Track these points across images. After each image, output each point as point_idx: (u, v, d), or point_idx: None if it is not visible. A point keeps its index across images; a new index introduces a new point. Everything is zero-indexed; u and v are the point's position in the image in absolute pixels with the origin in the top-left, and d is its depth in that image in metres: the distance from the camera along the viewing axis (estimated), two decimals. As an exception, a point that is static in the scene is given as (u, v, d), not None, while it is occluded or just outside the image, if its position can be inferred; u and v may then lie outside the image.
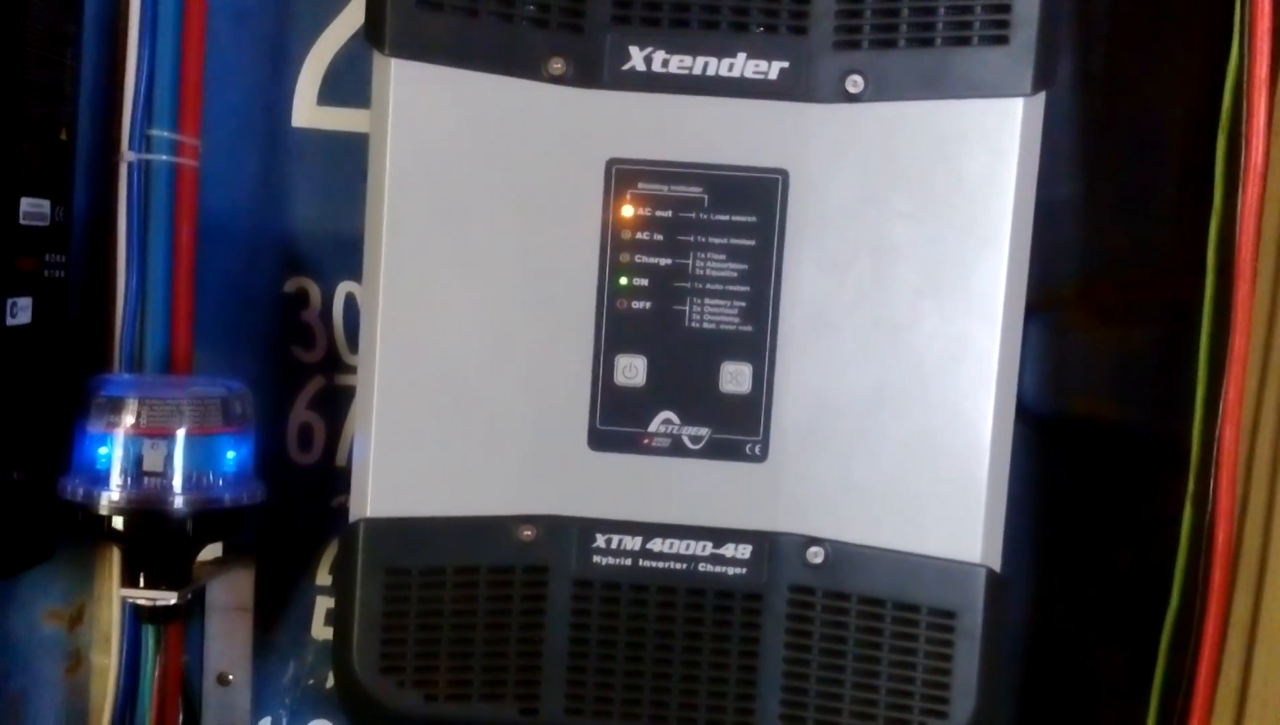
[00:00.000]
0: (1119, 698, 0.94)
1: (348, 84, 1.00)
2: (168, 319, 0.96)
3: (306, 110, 1.01)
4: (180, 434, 0.87)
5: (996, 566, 0.78)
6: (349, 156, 0.98)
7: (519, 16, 0.76)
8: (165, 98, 0.95)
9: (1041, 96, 0.76)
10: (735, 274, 0.77)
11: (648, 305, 0.78)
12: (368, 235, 0.79)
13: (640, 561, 0.79)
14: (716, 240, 0.77)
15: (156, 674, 0.97)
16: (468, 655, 0.79)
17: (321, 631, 1.06)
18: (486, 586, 0.79)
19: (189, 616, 1.01)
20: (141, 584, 0.90)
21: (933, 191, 0.76)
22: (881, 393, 0.77)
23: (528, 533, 0.79)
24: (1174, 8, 0.93)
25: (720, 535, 0.79)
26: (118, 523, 0.87)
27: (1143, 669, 0.85)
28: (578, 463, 0.78)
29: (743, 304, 0.77)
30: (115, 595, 1.02)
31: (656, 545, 0.79)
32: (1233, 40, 0.78)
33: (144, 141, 0.95)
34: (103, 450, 0.87)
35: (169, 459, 0.87)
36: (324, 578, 1.05)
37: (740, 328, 0.77)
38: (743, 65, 0.76)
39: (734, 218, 0.77)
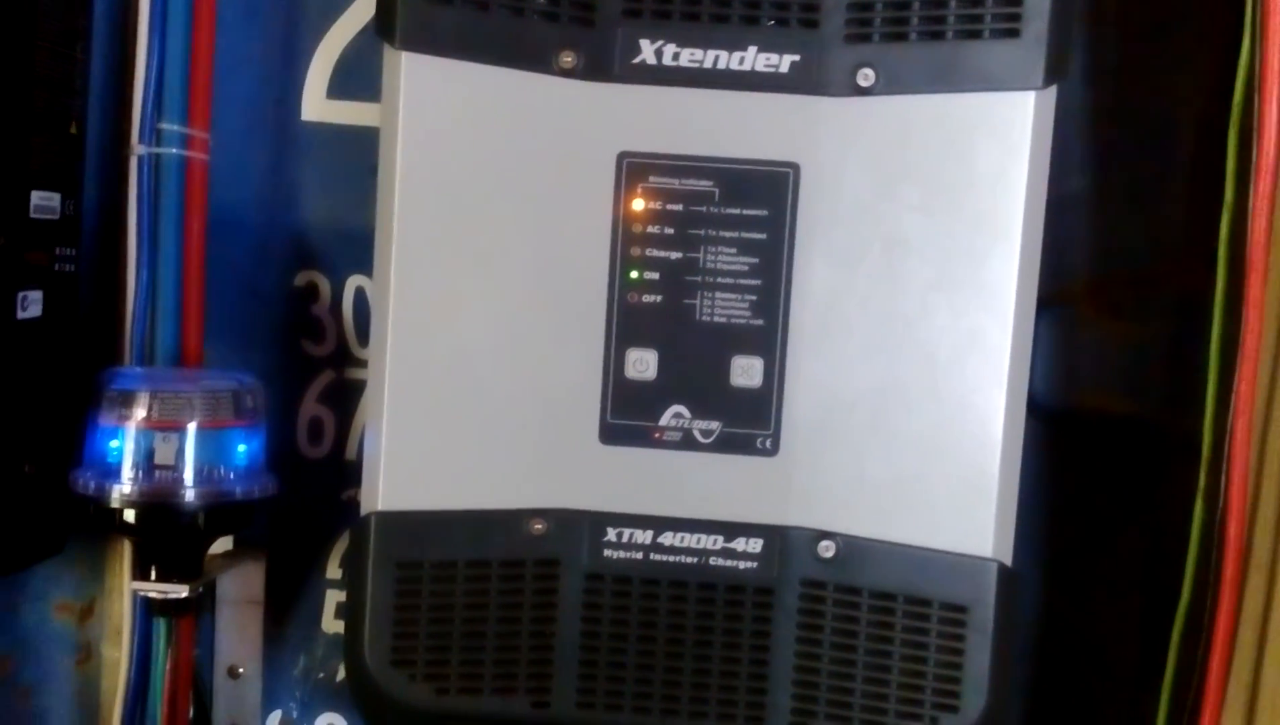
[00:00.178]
0: (1130, 692, 0.94)
1: (357, 78, 1.00)
2: (178, 312, 0.97)
3: (316, 104, 1.01)
4: (192, 427, 0.87)
5: (1008, 561, 0.78)
6: (358, 150, 0.98)
7: (530, 10, 0.76)
8: (175, 91, 0.95)
9: (1053, 90, 0.75)
10: (746, 268, 0.77)
11: (658, 299, 0.78)
12: (379, 229, 0.79)
13: (651, 555, 0.79)
14: (727, 234, 0.77)
15: (168, 667, 0.97)
16: (479, 649, 0.80)
17: (332, 625, 1.06)
18: (498, 580, 0.79)
19: (199, 610, 1.01)
20: (153, 577, 0.90)
21: (944, 185, 0.76)
22: (892, 387, 0.77)
23: (539, 526, 0.79)
24: (1185, 1, 0.93)
25: (731, 529, 0.79)
26: (129, 516, 0.88)
27: (1153, 663, 0.85)
28: (589, 456, 0.78)
29: (754, 298, 0.77)
30: (126, 588, 1.02)
31: (667, 539, 0.79)
32: (1244, 34, 0.78)
33: (154, 135, 0.95)
34: (114, 443, 0.88)
35: (180, 452, 0.87)
36: (334, 571, 1.05)
37: (751, 322, 0.77)
38: (754, 58, 0.76)
39: (745, 211, 0.77)
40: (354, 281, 1.02)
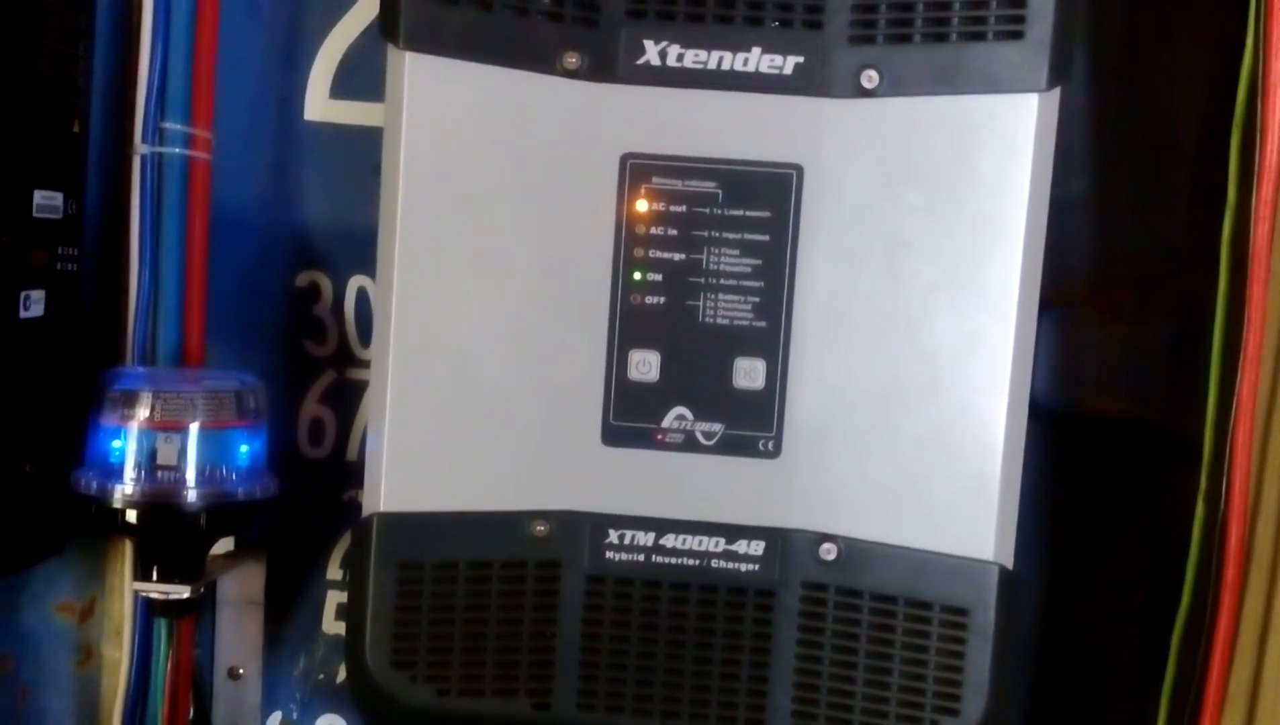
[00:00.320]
0: (1131, 694, 0.94)
1: (360, 77, 1.00)
2: (180, 312, 0.96)
3: (319, 104, 1.01)
4: (194, 428, 0.87)
5: (1009, 563, 0.78)
6: (361, 150, 0.98)
7: (533, 10, 0.76)
8: (178, 91, 0.95)
9: (1056, 92, 0.75)
10: (749, 269, 0.77)
11: (661, 300, 0.78)
12: (382, 229, 0.79)
13: (653, 557, 0.79)
14: (730, 235, 0.77)
15: (168, 667, 0.97)
16: (480, 650, 0.80)
17: (332, 626, 1.06)
18: (499, 581, 0.79)
19: (200, 610, 1.01)
20: (154, 577, 0.90)
21: (947, 187, 0.76)
22: (895, 389, 0.77)
23: (541, 528, 0.79)
24: (1188, 3, 0.93)
25: (733, 531, 0.79)
26: (131, 516, 0.87)
27: (1154, 666, 0.85)
28: (591, 458, 0.78)
29: (756, 299, 0.77)
30: (127, 588, 1.02)
31: (669, 541, 0.79)
32: (1247, 37, 0.78)
33: (157, 134, 0.95)
34: (116, 443, 0.88)
35: (183, 452, 0.87)
36: (335, 572, 1.05)
37: (754, 323, 0.77)
38: (758, 60, 0.76)
39: (748, 213, 0.77)
40: (356, 282, 1.02)
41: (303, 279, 1.03)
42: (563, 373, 0.78)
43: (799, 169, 0.76)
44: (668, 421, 0.78)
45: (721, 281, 0.77)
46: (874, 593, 0.78)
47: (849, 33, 0.75)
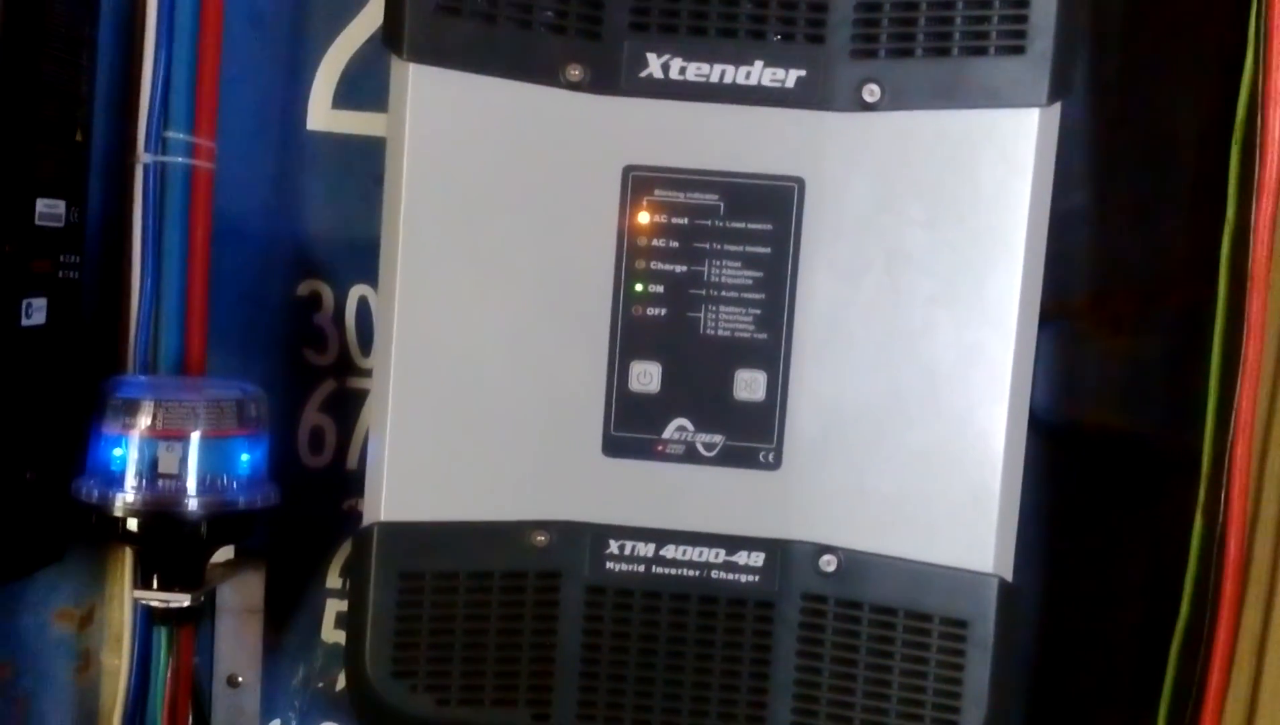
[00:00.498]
0: (1129, 706, 0.94)
1: (362, 88, 1.00)
2: (182, 321, 0.97)
3: (321, 114, 1.01)
4: (195, 436, 0.87)
5: (1008, 576, 0.78)
6: (363, 160, 0.99)
7: (537, 23, 0.76)
8: (181, 100, 0.95)
9: (1057, 107, 0.76)
10: (750, 281, 0.77)
11: (663, 312, 0.78)
12: (384, 239, 0.79)
13: (653, 568, 0.79)
14: (732, 247, 0.77)
15: (168, 675, 0.97)
16: (480, 660, 0.80)
17: (331, 634, 1.06)
18: (500, 591, 0.79)
19: (200, 618, 1.01)
20: (155, 586, 0.90)
21: (948, 200, 0.76)
22: (895, 401, 0.77)
23: (541, 538, 0.79)
24: (1188, 18, 0.93)
25: (733, 543, 0.79)
26: (132, 524, 0.88)
27: (1152, 678, 0.85)
28: (592, 469, 0.79)
29: (758, 311, 0.77)
30: (126, 596, 1.03)
31: (669, 552, 0.79)
32: (1247, 51, 0.79)
33: (159, 144, 0.95)
34: (118, 452, 0.88)
35: (184, 461, 0.87)
36: (334, 580, 1.06)
37: (755, 335, 0.78)
38: (760, 73, 0.76)
39: (750, 225, 0.77)
40: (357, 291, 1.02)
41: (304, 288, 1.03)
42: (564, 383, 0.78)
43: (800, 182, 0.77)
44: (668, 433, 0.79)
45: (723, 293, 0.78)
46: (874, 604, 0.78)
47: (851, 47, 0.75)
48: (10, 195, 0.87)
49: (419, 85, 0.77)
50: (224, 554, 0.99)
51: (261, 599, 1.03)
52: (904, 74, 0.75)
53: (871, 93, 0.76)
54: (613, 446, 0.79)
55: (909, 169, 0.76)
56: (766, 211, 0.77)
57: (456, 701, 0.80)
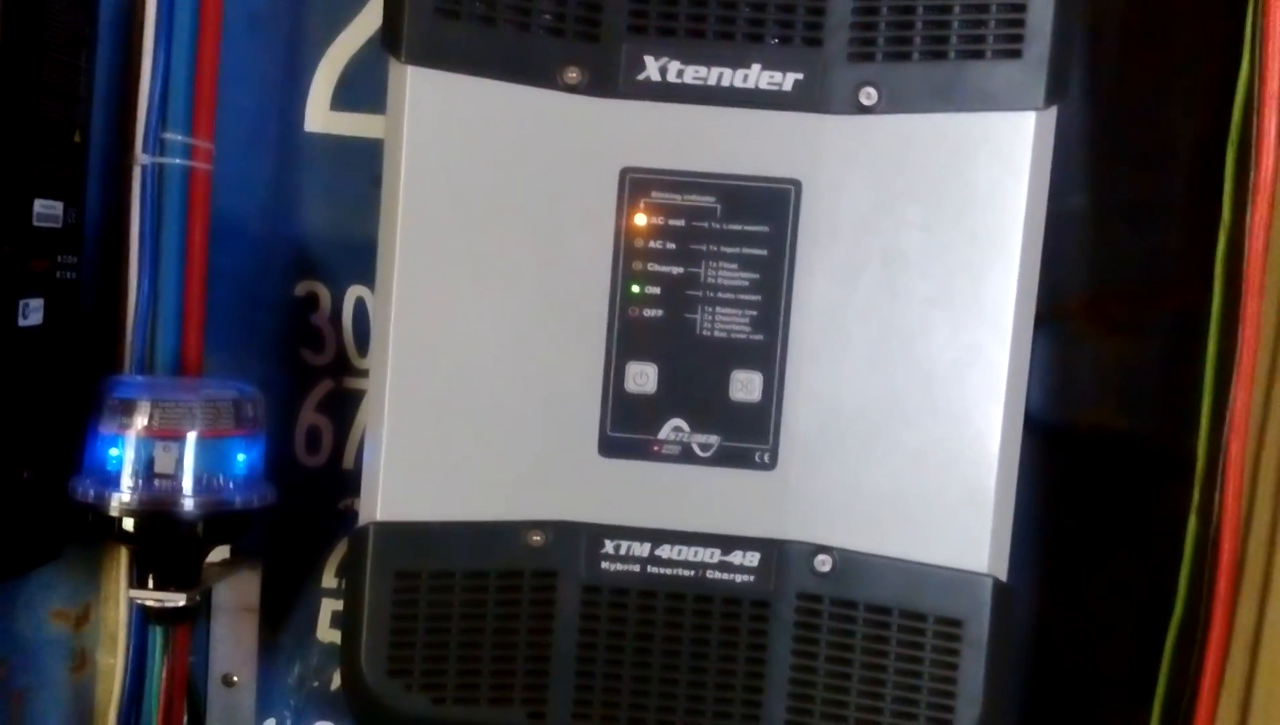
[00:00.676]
0: (1123, 706, 0.94)
1: (361, 89, 1.00)
2: (179, 321, 0.97)
3: (319, 115, 1.01)
4: (192, 436, 0.87)
5: (1003, 576, 0.78)
6: (360, 162, 0.99)
7: (535, 25, 0.76)
8: (179, 101, 0.95)
9: (1054, 110, 0.76)
10: (747, 283, 0.78)
11: (659, 313, 0.78)
12: (382, 241, 0.79)
13: (649, 568, 0.79)
14: (729, 249, 0.78)
15: (163, 675, 0.97)
16: (476, 659, 0.80)
17: (327, 633, 1.06)
18: (495, 591, 0.79)
19: (195, 618, 1.01)
20: (151, 585, 0.90)
21: (944, 203, 0.76)
22: (891, 402, 0.78)
23: (537, 538, 0.79)
24: (1184, 21, 0.93)
25: (729, 542, 0.79)
26: (128, 524, 0.88)
27: (1146, 679, 0.86)
28: (588, 469, 0.79)
29: (754, 313, 0.78)
30: (122, 595, 1.02)
31: (665, 552, 0.79)
32: (1243, 53, 0.79)
33: (158, 145, 0.95)
34: (114, 452, 0.88)
35: (180, 461, 0.87)
36: (330, 580, 1.06)
37: (751, 336, 0.78)
38: (757, 76, 0.76)
39: (746, 227, 0.77)
40: (354, 292, 1.02)
41: (301, 289, 1.03)
42: (560, 384, 0.79)
43: (797, 184, 0.77)
44: (664, 433, 0.79)
45: (719, 295, 0.78)
46: (869, 604, 0.78)
47: (848, 50, 0.76)
48: (8, 196, 0.87)
49: (417, 87, 0.77)
50: (220, 553, 0.99)
51: (257, 598, 1.03)
52: (901, 77, 0.76)
53: (868, 96, 0.76)
54: (609, 447, 0.79)
55: (906, 171, 0.76)
56: (763, 213, 0.77)
57: (452, 700, 0.80)
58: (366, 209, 0.83)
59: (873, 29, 0.75)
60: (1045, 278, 0.78)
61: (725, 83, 0.76)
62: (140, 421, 0.87)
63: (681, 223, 0.77)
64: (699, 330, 0.78)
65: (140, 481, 0.87)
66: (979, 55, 0.75)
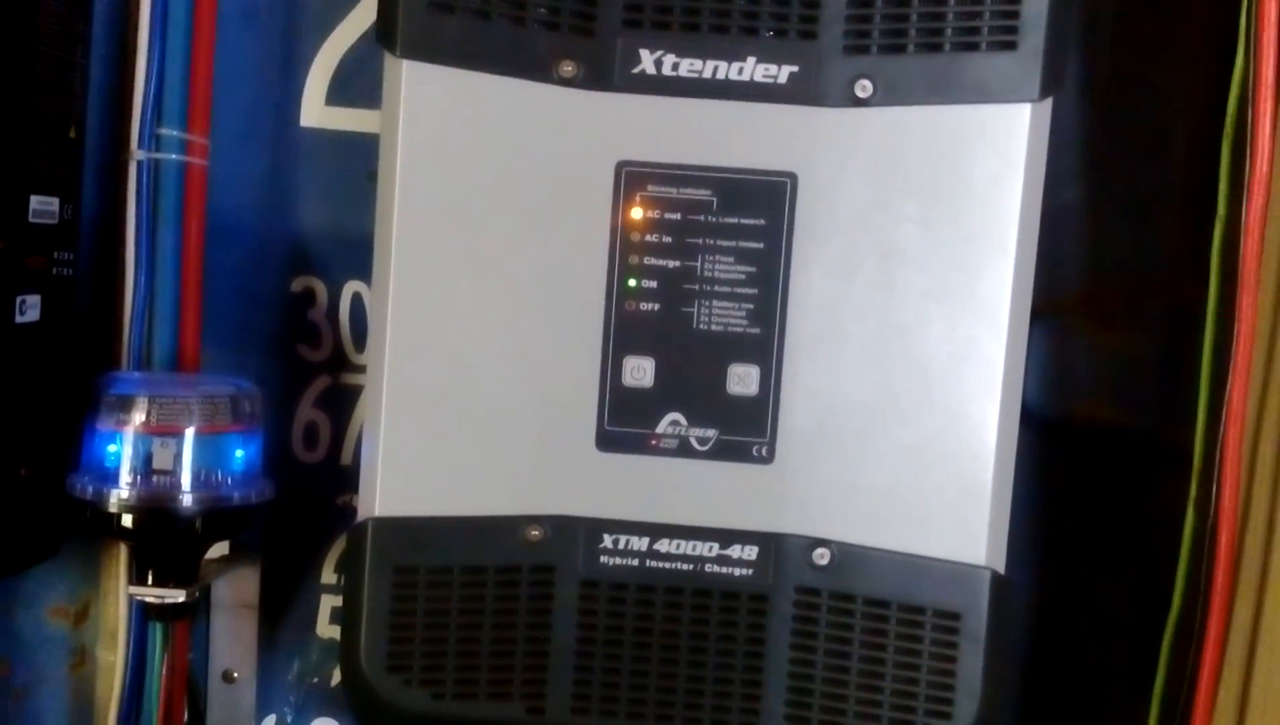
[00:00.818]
0: (1121, 699, 0.95)
1: (356, 84, 1.00)
2: (176, 317, 0.97)
3: (315, 110, 1.01)
4: (189, 432, 0.87)
5: (1001, 569, 0.78)
6: (357, 156, 0.99)
7: (530, 19, 0.76)
8: (175, 97, 0.95)
9: (1049, 102, 0.76)
10: (743, 276, 0.78)
11: (656, 307, 0.78)
12: (378, 235, 0.79)
13: (647, 562, 0.79)
14: (725, 243, 0.78)
15: (163, 671, 0.97)
16: (475, 654, 0.80)
17: (326, 629, 1.06)
18: (494, 586, 0.80)
19: (195, 614, 1.01)
20: (150, 581, 0.90)
21: (940, 196, 0.76)
22: (888, 396, 0.78)
23: (535, 533, 0.79)
24: (1179, 14, 0.93)
25: (727, 536, 0.79)
26: (127, 520, 0.88)
27: (1144, 672, 0.86)
28: (585, 463, 0.79)
29: (751, 306, 0.78)
30: (121, 592, 1.02)
31: (663, 546, 0.79)
32: (1238, 47, 0.79)
33: (153, 140, 0.95)
34: (112, 448, 0.88)
35: (178, 457, 0.87)
36: (329, 576, 1.06)
37: (748, 330, 0.78)
38: (752, 69, 0.76)
39: (742, 221, 0.77)
40: (351, 287, 1.02)
41: (298, 284, 1.03)
42: (557, 378, 0.79)
43: (793, 177, 0.77)
44: (662, 427, 0.79)
45: (716, 288, 0.78)
46: (867, 597, 0.78)
47: (843, 43, 0.76)
48: (4, 192, 0.87)
49: (412, 82, 0.77)
50: (219, 549, 0.99)
51: (257, 594, 1.03)
52: (896, 70, 0.76)
53: (864, 88, 0.76)
54: (606, 441, 0.79)
55: (901, 164, 0.76)
56: (759, 207, 0.77)
57: (451, 695, 0.80)
58: (362, 204, 0.83)
59: (867, 21, 0.75)
60: (1041, 271, 0.78)
61: (720, 76, 0.76)
62: (138, 418, 0.87)
63: (677, 216, 0.77)
64: (696, 324, 0.78)
65: (138, 478, 0.87)
66: (974, 47, 0.75)
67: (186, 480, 0.87)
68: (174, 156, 0.96)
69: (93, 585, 1.06)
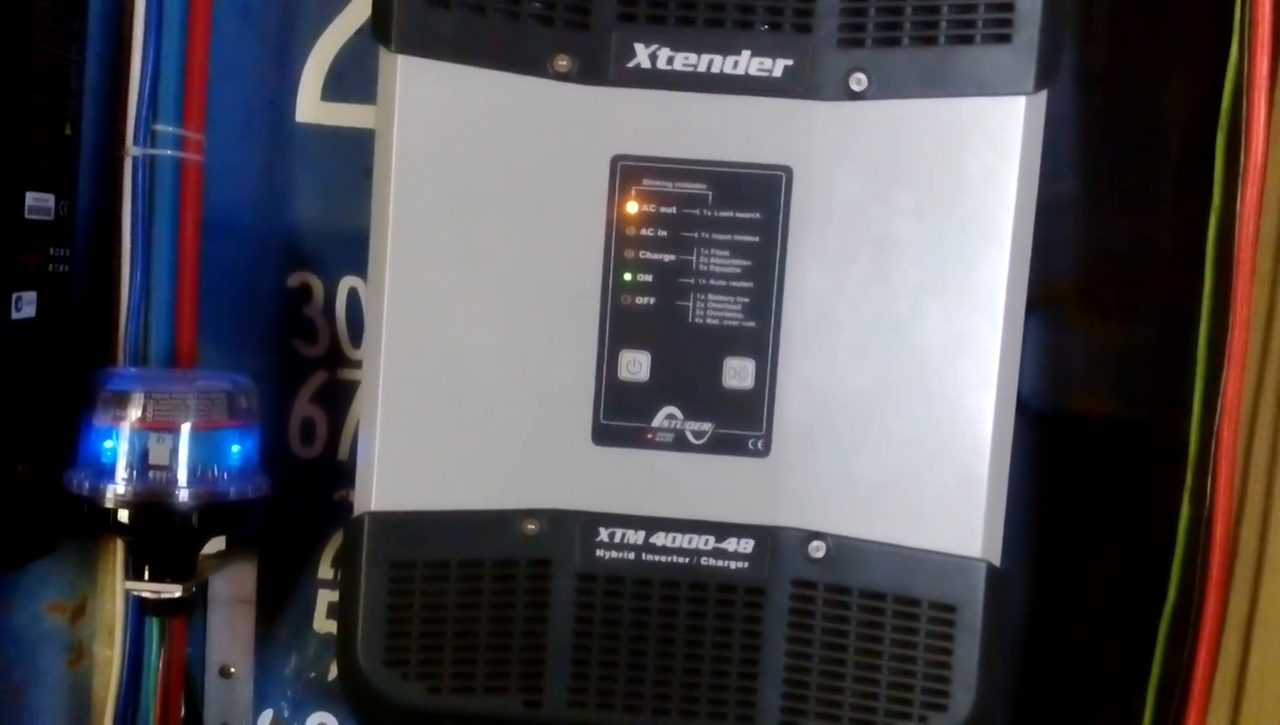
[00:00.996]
0: (1117, 691, 0.95)
1: (351, 80, 1.00)
2: (172, 313, 0.97)
3: (310, 106, 1.01)
4: (186, 428, 0.88)
5: (996, 561, 0.78)
6: (352, 152, 0.99)
7: (525, 14, 0.76)
8: (170, 93, 0.95)
9: (1044, 94, 0.76)
10: (739, 270, 0.78)
11: (652, 301, 0.78)
12: (374, 231, 0.79)
13: (643, 555, 0.79)
14: (720, 236, 0.78)
15: (160, 666, 0.97)
16: (471, 648, 0.80)
17: (323, 624, 1.06)
18: (490, 580, 0.80)
19: (192, 609, 1.01)
20: (146, 577, 0.90)
21: (935, 189, 0.76)
22: (883, 388, 0.78)
23: (532, 526, 0.79)
24: (1174, 6, 0.93)
25: (723, 530, 0.79)
26: (123, 516, 0.88)
27: (1140, 662, 0.86)
28: (582, 457, 0.79)
29: (746, 300, 0.78)
30: (118, 588, 1.02)
31: (659, 539, 0.79)
32: (1233, 38, 0.79)
33: (149, 136, 0.95)
34: (109, 444, 0.88)
35: (174, 453, 0.87)
36: (326, 571, 1.06)
37: (743, 323, 0.78)
38: (747, 63, 0.76)
39: (738, 214, 0.77)
40: (347, 282, 1.02)
41: (294, 280, 1.03)
42: (553, 373, 0.79)
43: (788, 171, 0.77)
44: (658, 421, 0.79)
45: (711, 282, 0.78)
46: (863, 590, 0.79)
47: (838, 36, 0.76)
48: (0, 189, 0.87)
49: (407, 77, 0.77)
50: (216, 545, 0.99)
51: (253, 590, 1.04)
52: (891, 63, 0.76)
53: (859, 81, 0.76)
54: (602, 435, 0.79)
55: (896, 157, 0.76)
56: (755, 200, 0.77)
57: (448, 689, 0.80)
58: (358, 199, 0.83)
59: (862, 14, 0.75)
60: (1037, 263, 0.78)
61: (715, 69, 0.76)
62: (134, 413, 0.87)
63: (673, 210, 0.77)
64: (691, 318, 0.78)
65: (135, 473, 0.87)
66: (969, 40, 0.75)
67: (183, 476, 0.88)
68: (169, 152, 0.96)
69: (90, 581, 1.06)
